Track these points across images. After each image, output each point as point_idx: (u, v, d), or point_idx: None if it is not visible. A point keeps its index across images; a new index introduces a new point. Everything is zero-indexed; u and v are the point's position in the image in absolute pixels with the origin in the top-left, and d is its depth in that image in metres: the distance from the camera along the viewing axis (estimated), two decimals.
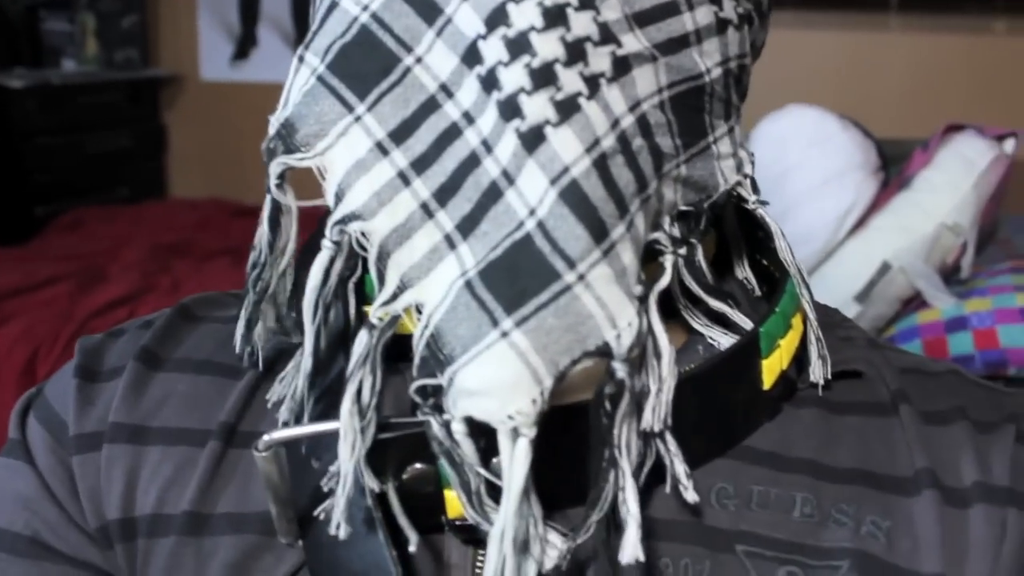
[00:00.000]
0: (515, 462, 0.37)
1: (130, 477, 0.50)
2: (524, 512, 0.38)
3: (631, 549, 0.39)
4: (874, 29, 2.70)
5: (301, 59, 0.43)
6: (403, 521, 0.42)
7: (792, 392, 0.49)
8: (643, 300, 0.40)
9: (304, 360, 0.44)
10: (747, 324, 0.47)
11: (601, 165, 0.38)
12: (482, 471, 0.40)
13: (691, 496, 0.42)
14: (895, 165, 1.76)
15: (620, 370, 0.39)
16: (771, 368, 0.46)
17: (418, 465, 0.42)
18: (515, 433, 0.37)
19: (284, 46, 3.43)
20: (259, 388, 0.52)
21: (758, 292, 0.53)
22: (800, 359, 0.49)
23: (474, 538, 0.45)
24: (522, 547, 0.39)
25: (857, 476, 0.46)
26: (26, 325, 2.02)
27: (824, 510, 0.45)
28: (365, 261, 0.42)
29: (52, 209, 3.00)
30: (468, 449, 0.39)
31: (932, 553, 0.44)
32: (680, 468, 0.42)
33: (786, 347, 0.47)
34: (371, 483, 0.42)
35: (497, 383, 0.37)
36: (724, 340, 0.48)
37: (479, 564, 0.45)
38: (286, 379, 0.47)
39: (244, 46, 3.49)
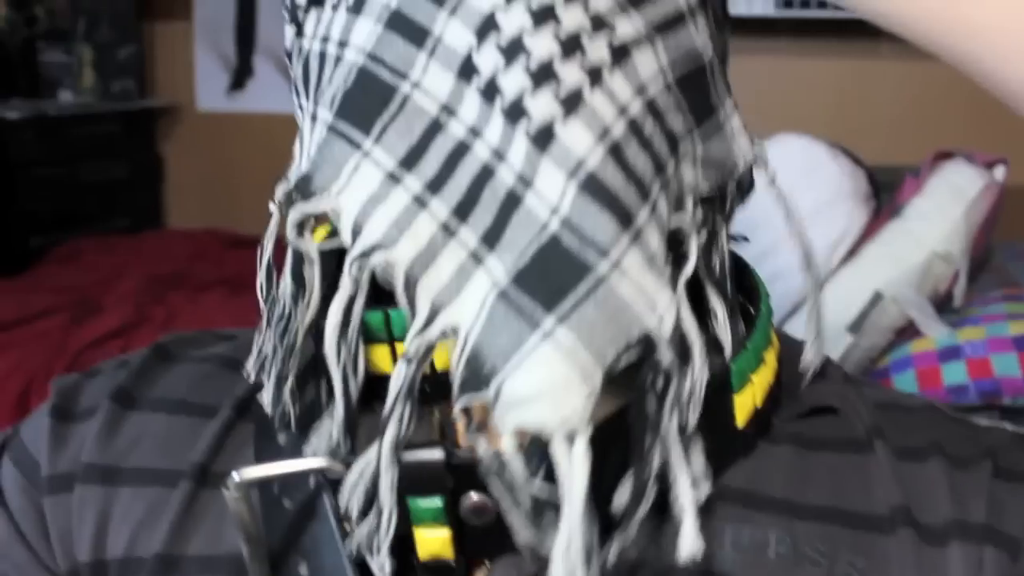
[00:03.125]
0: (575, 466, 0.36)
1: (102, 519, 0.50)
2: (589, 520, 0.37)
3: (689, 543, 0.38)
4: (866, 56, 2.71)
5: (314, 117, 0.43)
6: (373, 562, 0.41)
7: (767, 429, 0.48)
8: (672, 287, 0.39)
9: (337, 409, 0.43)
10: (727, 343, 0.46)
11: (616, 152, 0.38)
12: (534, 489, 0.38)
13: (702, 493, 0.40)
14: (888, 192, 1.76)
15: (666, 356, 0.38)
16: (743, 405, 0.46)
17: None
18: (570, 437, 0.36)
19: (280, 76, 3.43)
20: (233, 428, 0.51)
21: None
22: (776, 396, 0.49)
23: None
24: (587, 558, 0.37)
25: (831, 514, 0.46)
26: (19, 357, 2.02)
27: (799, 550, 0.44)
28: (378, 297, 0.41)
29: (48, 240, 3.00)
30: (518, 467, 0.38)
31: None
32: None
33: (759, 384, 0.47)
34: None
35: (548, 385, 0.36)
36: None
37: None
38: (322, 430, 0.44)
39: (240, 76, 3.50)
